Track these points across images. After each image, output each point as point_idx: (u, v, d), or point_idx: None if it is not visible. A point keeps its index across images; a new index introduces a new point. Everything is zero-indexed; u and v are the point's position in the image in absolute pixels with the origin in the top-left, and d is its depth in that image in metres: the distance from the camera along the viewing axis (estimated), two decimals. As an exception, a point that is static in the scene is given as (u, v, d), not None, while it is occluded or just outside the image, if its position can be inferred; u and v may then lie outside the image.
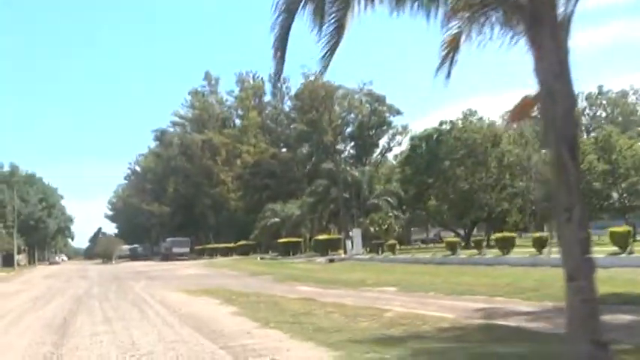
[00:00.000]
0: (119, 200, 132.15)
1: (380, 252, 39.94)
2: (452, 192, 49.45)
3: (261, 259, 53.38)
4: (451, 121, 52.93)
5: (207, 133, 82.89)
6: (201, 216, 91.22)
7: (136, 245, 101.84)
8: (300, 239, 57.05)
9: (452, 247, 34.34)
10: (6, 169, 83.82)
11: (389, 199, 50.42)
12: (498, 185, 49.07)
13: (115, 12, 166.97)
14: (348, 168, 56.02)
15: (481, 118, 53.17)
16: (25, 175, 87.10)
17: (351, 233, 44.37)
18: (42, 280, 37.09)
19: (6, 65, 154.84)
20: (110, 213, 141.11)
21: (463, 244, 41.61)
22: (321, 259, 42.17)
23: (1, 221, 57.32)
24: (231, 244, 73.70)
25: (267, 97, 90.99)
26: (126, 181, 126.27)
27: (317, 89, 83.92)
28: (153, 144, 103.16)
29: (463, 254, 32.89)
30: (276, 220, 62.94)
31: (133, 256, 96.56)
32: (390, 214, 47.88)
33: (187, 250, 76.57)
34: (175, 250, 75.27)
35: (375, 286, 19.43)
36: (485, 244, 35.68)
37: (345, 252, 44.47)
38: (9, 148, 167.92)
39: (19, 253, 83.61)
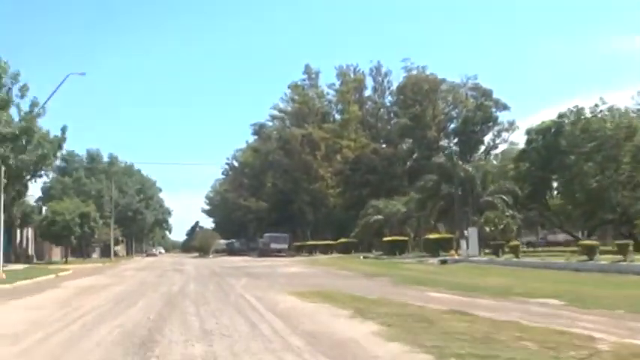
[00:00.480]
0: (216, 195, 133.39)
1: (500, 254, 35.94)
2: (578, 189, 44.57)
3: (364, 257, 50.38)
4: (577, 110, 47.92)
5: (306, 128, 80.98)
6: (299, 212, 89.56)
7: (232, 240, 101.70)
8: (405, 238, 53.63)
9: (589, 251, 29.91)
10: (105, 159, 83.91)
11: (504, 197, 46.10)
12: (631, 183, 43.74)
13: (213, 5, 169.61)
14: (460, 162, 51.88)
15: (611, 108, 47.58)
16: (123, 167, 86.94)
17: (466, 232, 40.54)
18: (135, 272, 35.11)
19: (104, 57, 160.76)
20: (207, 207, 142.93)
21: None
22: (432, 260, 38.71)
23: (98, 211, 56.98)
24: (331, 242, 71.32)
25: (367, 92, 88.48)
26: (223, 176, 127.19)
27: (420, 82, 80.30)
28: (251, 139, 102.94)
29: (602, 260, 28.51)
30: (379, 217, 59.86)
31: (230, 251, 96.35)
32: (508, 212, 43.63)
33: (286, 246, 74.53)
34: (273, 246, 73.38)
35: (529, 297, 15.84)
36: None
37: (459, 253, 40.79)
38: (109, 139, 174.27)
39: (116, 244, 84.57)
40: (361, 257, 50.85)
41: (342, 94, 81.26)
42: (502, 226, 42.12)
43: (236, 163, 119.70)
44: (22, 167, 38.96)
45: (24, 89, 31.65)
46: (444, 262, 37.22)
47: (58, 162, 74.65)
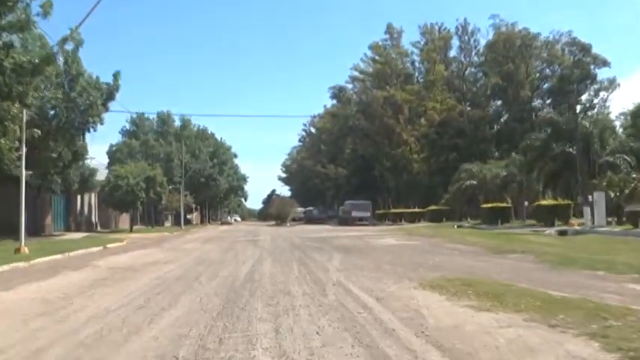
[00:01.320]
0: (293, 162, 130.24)
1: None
2: None
3: (458, 227, 45.29)
4: None
5: (388, 90, 75.64)
6: (380, 179, 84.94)
7: (310, 208, 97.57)
8: (508, 205, 48.06)
9: None
10: (177, 123, 78.41)
11: (626, 157, 39.89)
12: None
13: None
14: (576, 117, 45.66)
15: None
16: (196, 131, 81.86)
17: (590, 198, 34.76)
18: (200, 245, 28.91)
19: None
20: (284, 176, 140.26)
21: None
22: (549, 231, 33.31)
23: (167, 176, 53.92)
24: (417, 209, 66.39)
25: (452, 53, 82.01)
26: (300, 143, 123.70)
27: (513, 38, 73.40)
28: (329, 103, 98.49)
29: None
30: (473, 182, 54.42)
31: (308, 219, 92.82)
32: (635, 175, 37.42)
33: (368, 214, 69.61)
34: (355, 214, 68.50)
35: None
36: None
37: (579, 222, 35.21)
38: (180, 102, 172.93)
39: (190, 211, 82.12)
40: (454, 226, 45.80)
41: (428, 52, 75.23)
42: (627, 191, 36.03)
43: (313, 130, 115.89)
44: (68, 120, 33.53)
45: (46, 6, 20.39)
46: (562, 232, 31.75)
47: (127, 125, 70.37)
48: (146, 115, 73.10)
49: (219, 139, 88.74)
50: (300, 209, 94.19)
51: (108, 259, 20.22)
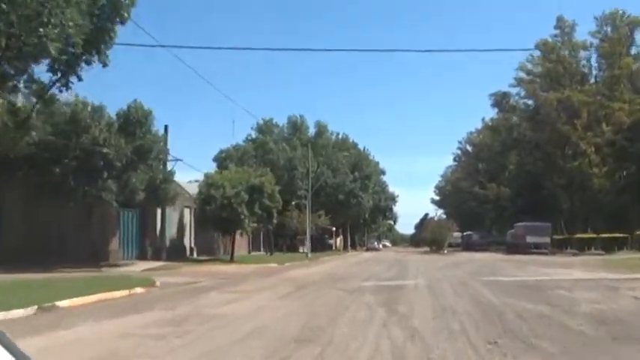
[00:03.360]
0: (447, 184, 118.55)
1: None
2: None
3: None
4: None
5: (562, 91, 62.62)
6: (551, 198, 71.34)
7: (469, 232, 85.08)
8: None
9: None
10: (311, 129, 66.38)
11: None
12: None
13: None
14: None
15: None
16: (334, 139, 69.50)
17: None
18: (276, 301, 14.75)
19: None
20: (437, 198, 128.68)
21: None
22: None
23: (288, 190, 42.92)
24: (608, 235, 52.47)
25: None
26: (455, 163, 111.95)
27: None
28: (488, 116, 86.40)
29: None
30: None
31: (467, 245, 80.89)
32: None
33: (548, 240, 56.06)
34: (530, 239, 55.26)
35: None
36: None
37: None
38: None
39: (330, 235, 69.36)
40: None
41: (612, 43, 61.21)
42: None
43: (469, 148, 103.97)
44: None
45: None
46: None
47: (253, 133, 58.38)
48: (275, 121, 61.74)
49: (362, 149, 75.62)
50: (457, 234, 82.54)
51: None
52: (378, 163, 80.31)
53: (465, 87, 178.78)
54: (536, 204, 71.81)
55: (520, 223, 60.23)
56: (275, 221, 42.16)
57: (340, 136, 69.63)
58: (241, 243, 47.22)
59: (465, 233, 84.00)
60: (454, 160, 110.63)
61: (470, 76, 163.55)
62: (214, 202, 33.38)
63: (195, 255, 40.29)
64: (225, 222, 34.42)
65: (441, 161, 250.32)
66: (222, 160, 47.73)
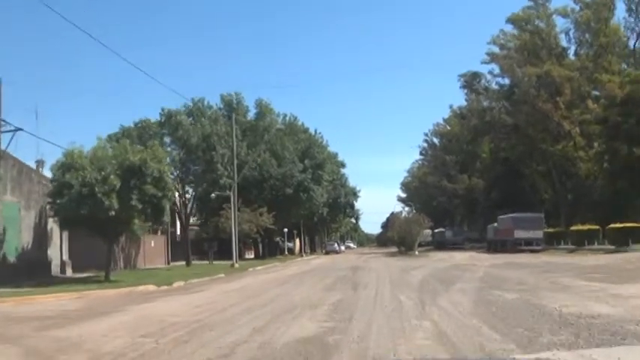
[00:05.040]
0: (414, 180, 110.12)
1: None
2: None
3: None
4: None
5: (540, 66, 54.22)
6: (530, 188, 63.13)
7: (441, 229, 75.68)
8: None
9: None
10: (251, 110, 51.71)
11: None
12: None
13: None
14: None
15: None
16: (282, 124, 55.39)
17: None
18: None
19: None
20: (403, 195, 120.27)
21: None
22: None
23: (206, 178, 33.30)
24: (621, 224, 43.47)
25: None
26: (422, 157, 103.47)
27: None
28: (456, 102, 77.98)
29: None
30: None
31: (439, 244, 71.86)
32: None
33: (540, 234, 46.03)
34: (519, 234, 45.40)
35: None
36: None
37: None
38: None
39: (283, 237, 58.94)
40: None
41: (596, 8, 52.94)
42: None
43: (436, 140, 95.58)
44: None
45: None
46: None
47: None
48: (208, 102, 45.95)
49: (313, 134, 60.36)
50: (427, 231, 73.11)
51: None
52: (335, 153, 68.11)
53: (432, 73, 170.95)
54: (513, 196, 63.40)
55: (505, 215, 50.55)
56: (166, 219, 28.34)
57: (288, 119, 57.32)
58: (156, 251, 36.59)
59: (436, 230, 74.54)
60: (420, 153, 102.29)
61: (435, 61, 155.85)
62: (69, 193, 21.06)
63: (68, 272, 28.22)
64: (97, 223, 21.92)
65: (409, 159, 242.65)
66: (116, 140, 35.07)
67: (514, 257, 35.52)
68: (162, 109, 37.86)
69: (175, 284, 22.17)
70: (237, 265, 33.54)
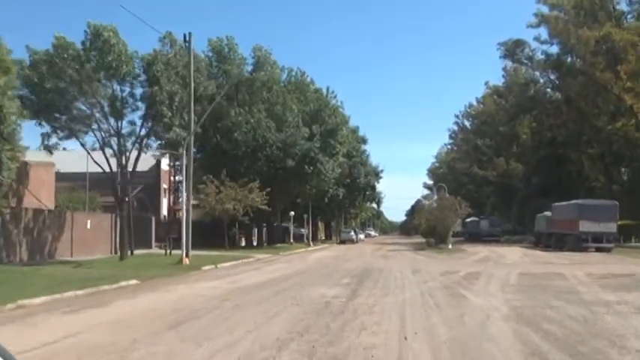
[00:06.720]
0: (441, 165, 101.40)
1: None
2: None
3: None
4: None
5: (597, 29, 45.28)
6: (577, 174, 54.37)
7: (475, 218, 65.21)
8: None
9: None
10: (249, 58, 39.76)
11: None
12: None
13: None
14: None
15: None
16: (287, 79, 43.64)
17: None
18: None
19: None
20: (430, 182, 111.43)
21: None
22: None
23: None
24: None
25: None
26: (451, 141, 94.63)
27: None
28: (494, 78, 68.91)
29: None
30: None
31: (471, 235, 62.74)
32: None
33: (614, 228, 35.34)
34: (586, 226, 34.85)
35: None
36: None
37: None
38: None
39: (288, 221, 47.54)
40: None
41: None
42: None
43: (467, 123, 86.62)
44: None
45: None
46: None
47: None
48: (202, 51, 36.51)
49: (324, 93, 47.51)
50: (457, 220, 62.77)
51: None
52: (356, 127, 57.28)
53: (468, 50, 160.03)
54: (557, 183, 54.67)
55: (567, 202, 39.72)
56: (7, 178, 17.67)
57: (294, 74, 44.54)
58: (94, 235, 27.28)
59: (467, 220, 63.67)
60: (450, 137, 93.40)
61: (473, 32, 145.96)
62: None
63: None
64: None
65: (437, 144, 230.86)
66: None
67: (589, 258, 26.84)
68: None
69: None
70: (187, 262, 21.89)
